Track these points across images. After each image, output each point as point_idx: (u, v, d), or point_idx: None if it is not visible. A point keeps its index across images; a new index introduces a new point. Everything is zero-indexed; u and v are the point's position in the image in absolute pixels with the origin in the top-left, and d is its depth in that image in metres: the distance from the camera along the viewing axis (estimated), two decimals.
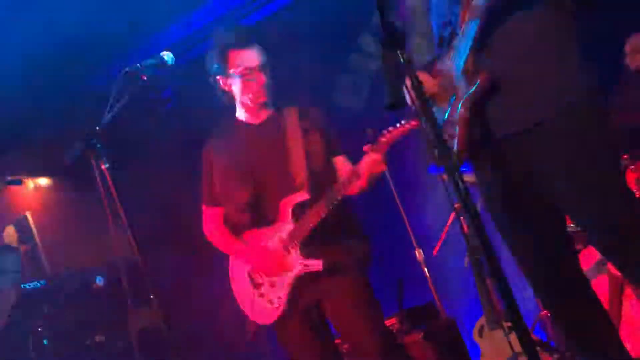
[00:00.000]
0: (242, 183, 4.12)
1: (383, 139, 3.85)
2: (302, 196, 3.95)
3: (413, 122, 3.79)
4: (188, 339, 4.67)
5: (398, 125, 3.83)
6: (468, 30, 3.12)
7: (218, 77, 4.15)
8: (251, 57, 4.12)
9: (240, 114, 4.24)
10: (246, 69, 4.09)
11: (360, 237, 4.15)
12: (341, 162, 4.13)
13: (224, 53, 4.12)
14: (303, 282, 3.92)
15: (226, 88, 4.17)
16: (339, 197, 3.87)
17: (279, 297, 3.95)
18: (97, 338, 5.45)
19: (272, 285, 3.99)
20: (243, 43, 4.14)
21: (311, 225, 3.89)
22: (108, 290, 5.26)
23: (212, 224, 4.26)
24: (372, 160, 3.84)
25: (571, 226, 3.50)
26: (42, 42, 6.16)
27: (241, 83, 4.11)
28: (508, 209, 3.26)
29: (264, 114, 4.22)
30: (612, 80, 4.97)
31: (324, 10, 6.98)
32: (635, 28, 5.28)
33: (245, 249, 4.10)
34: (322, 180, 4.00)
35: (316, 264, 3.87)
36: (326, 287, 3.95)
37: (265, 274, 4.01)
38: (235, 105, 4.23)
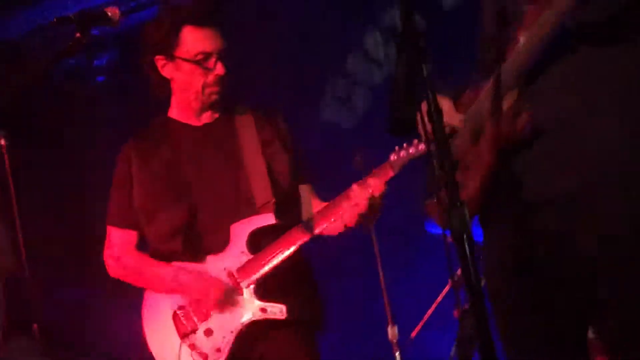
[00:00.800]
0: (174, 200, 4.09)
1: (392, 159, 3.85)
2: (266, 220, 3.92)
3: (421, 146, 3.77)
4: None
5: (414, 144, 3.79)
6: (517, 68, 3.14)
7: (158, 57, 4.07)
8: (211, 39, 4.08)
9: (176, 112, 4.22)
10: (202, 53, 4.04)
11: (315, 293, 4.19)
12: (307, 192, 4.12)
13: (176, 28, 4.05)
14: (252, 333, 3.90)
15: (166, 74, 4.11)
16: (305, 239, 3.87)
17: (218, 350, 3.90)
18: None
19: (209, 333, 3.92)
20: (204, 19, 4.08)
21: (276, 261, 3.88)
22: None
23: (120, 250, 4.16)
24: (368, 188, 3.83)
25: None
26: None
27: (193, 72, 4.05)
28: (515, 289, 3.29)
29: (210, 116, 4.21)
30: None
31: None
32: None
33: (175, 273, 4.02)
34: (287, 205, 4.00)
35: (278, 311, 3.85)
36: (272, 347, 3.96)
37: (199, 315, 3.95)
38: (168, 99, 4.20)
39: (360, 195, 3.79)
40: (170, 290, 3.99)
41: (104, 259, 4.18)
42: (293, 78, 6.95)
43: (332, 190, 5.55)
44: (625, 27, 3.09)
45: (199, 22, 4.04)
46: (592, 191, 3.07)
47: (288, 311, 3.85)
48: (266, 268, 3.86)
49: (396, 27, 6.88)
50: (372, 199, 3.77)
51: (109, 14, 3.83)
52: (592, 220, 3.08)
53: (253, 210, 3.94)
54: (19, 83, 3.83)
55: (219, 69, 4.03)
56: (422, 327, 5.87)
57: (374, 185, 3.80)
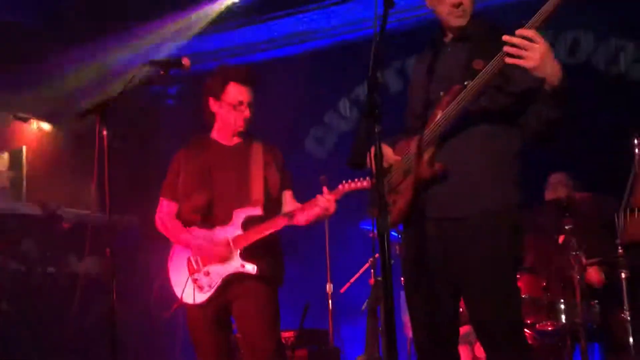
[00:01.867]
0: (201, 190, 4.10)
1: (340, 187, 3.94)
2: (256, 211, 3.97)
3: (366, 183, 3.86)
4: (123, 294, 4.61)
5: (356, 180, 3.91)
6: (432, 133, 3.15)
7: (210, 98, 4.12)
8: (245, 93, 4.11)
9: (216, 134, 4.22)
10: (239, 102, 4.08)
11: (280, 259, 4.16)
12: (289, 196, 4.17)
13: (225, 82, 4.10)
14: (233, 280, 3.93)
15: (213, 109, 4.15)
16: (287, 224, 3.94)
17: (210, 286, 3.95)
18: (48, 269, 5.34)
19: (207, 274, 3.97)
20: (243, 80, 4.12)
21: (256, 238, 3.93)
22: (72, 233, 5.17)
23: (165, 215, 4.19)
24: (326, 200, 3.90)
25: None
26: None
27: (230, 112, 4.10)
28: (416, 275, 3.25)
29: (236, 140, 4.20)
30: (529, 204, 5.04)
31: (316, 69, 7.04)
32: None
33: (193, 237, 4.05)
34: (273, 205, 4.03)
35: (252, 269, 3.90)
36: (245, 291, 3.96)
37: (204, 262, 3.98)
38: (212, 124, 4.21)
39: (322, 203, 3.90)
40: (187, 246, 4.05)
41: (155, 218, 4.22)
42: (288, 125, 6.93)
43: (305, 197, 5.57)
44: (504, 115, 3.13)
45: (240, 81, 4.10)
46: (468, 215, 3.12)
47: (258, 269, 3.91)
48: (251, 240, 3.93)
49: (360, 99, 6.90)
50: (326, 209, 3.91)
51: (183, 62, 3.90)
52: (467, 235, 3.11)
53: (249, 203, 3.99)
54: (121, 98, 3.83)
55: (247, 113, 4.10)
56: (349, 287, 5.89)
57: (330, 199, 3.91)
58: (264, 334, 3.97)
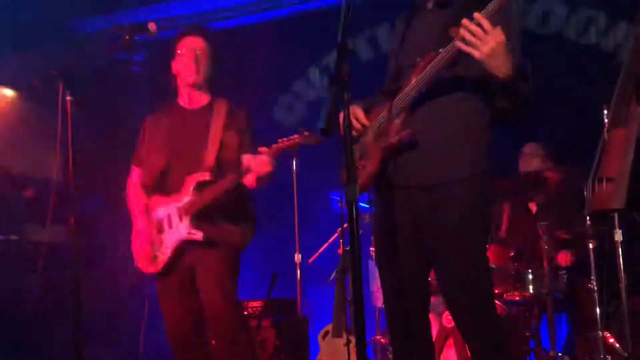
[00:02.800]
0: (159, 153, 4.08)
1: (274, 145, 3.89)
2: (204, 176, 3.91)
3: (297, 138, 3.91)
4: (87, 263, 4.60)
5: (290, 137, 3.92)
6: (402, 101, 3.15)
7: (171, 59, 4.10)
8: (197, 42, 4.08)
9: (181, 98, 4.18)
10: (189, 50, 4.04)
11: (241, 225, 4.07)
12: (247, 159, 4.02)
13: (178, 38, 4.10)
14: (185, 247, 3.92)
15: (174, 71, 4.12)
16: (231, 186, 3.87)
17: (163, 254, 3.95)
18: (12, 236, 5.30)
19: (161, 243, 3.97)
20: (194, 31, 4.11)
21: (204, 202, 3.88)
22: (37, 203, 5.13)
23: (132, 184, 4.21)
24: (261, 160, 3.85)
25: None
26: None
27: (181, 61, 4.06)
28: (387, 244, 3.26)
29: (199, 102, 4.17)
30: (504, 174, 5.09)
31: (284, 36, 7.01)
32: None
33: (140, 221, 4.10)
34: (227, 170, 3.95)
35: (198, 235, 3.87)
36: (200, 258, 3.94)
37: (158, 231, 4.00)
38: (177, 89, 4.18)
39: (258, 162, 3.86)
40: (140, 218, 4.11)
41: (127, 185, 4.25)
42: (256, 93, 6.92)
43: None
44: (477, 84, 3.13)
45: (190, 32, 4.11)
46: (438, 183, 3.12)
47: (206, 236, 3.87)
48: (198, 206, 3.88)
49: (330, 67, 6.88)
50: (264, 167, 3.86)
51: (149, 27, 3.87)
52: (436, 203, 3.12)
53: (200, 169, 3.93)
54: (83, 62, 3.80)
55: (201, 62, 4.05)
56: (317, 256, 5.90)
57: (264, 159, 3.85)
58: (220, 300, 3.93)
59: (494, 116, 3.15)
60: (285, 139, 3.91)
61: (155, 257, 3.98)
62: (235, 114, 4.12)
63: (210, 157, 3.96)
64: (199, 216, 3.90)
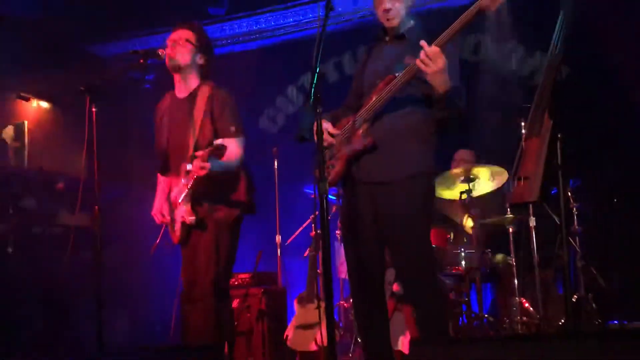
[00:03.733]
0: (161, 138, 3.82)
1: (199, 153, 3.43)
2: (188, 166, 3.50)
3: (208, 150, 3.40)
4: (108, 242, 4.54)
5: (208, 148, 3.43)
6: (365, 113, 3.17)
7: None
8: (179, 33, 3.71)
9: (175, 87, 3.82)
10: (174, 40, 3.69)
11: (228, 204, 3.66)
12: (228, 142, 3.55)
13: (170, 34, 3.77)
14: (188, 227, 3.62)
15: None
16: (192, 181, 3.51)
17: (176, 229, 3.68)
18: (34, 228, 5.21)
19: (174, 219, 3.70)
20: (180, 25, 3.75)
21: (185, 188, 3.55)
22: (68, 194, 5.07)
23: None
24: (196, 164, 3.42)
25: None
26: None
27: (167, 48, 3.70)
28: (351, 227, 3.27)
29: (189, 87, 3.74)
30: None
31: (269, 61, 6.98)
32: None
33: (159, 195, 3.85)
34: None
35: (191, 219, 3.57)
36: (197, 235, 3.62)
37: (170, 212, 3.73)
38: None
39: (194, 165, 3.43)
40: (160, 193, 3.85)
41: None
42: (247, 106, 6.84)
43: (261, 163, 5.50)
44: (424, 101, 3.15)
45: (177, 27, 3.74)
46: (391, 180, 3.13)
47: (196, 220, 3.57)
48: (183, 191, 3.56)
49: (305, 86, 6.87)
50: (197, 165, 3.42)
51: (160, 53, 3.75)
52: (390, 196, 3.13)
53: (187, 155, 3.57)
54: (105, 80, 3.73)
55: (185, 49, 3.68)
56: (294, 238, 5.89)
57: (195, 165, 3.42)
58: (206, 277, 3.56)
59: (435, 126, 3.18)
60: (203, 151, 3.42)
61: (173, 230, 3.72)
62: (215, 98, 3.68)
63: (191, 143, 3.61)
64: (193, 201, 3.59)
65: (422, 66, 2.91)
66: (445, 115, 3.09)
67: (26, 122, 7.56)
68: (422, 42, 2.90)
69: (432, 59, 2.88)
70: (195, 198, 3.58)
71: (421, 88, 3.11)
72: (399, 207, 3.12)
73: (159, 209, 3.82)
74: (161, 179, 3.89)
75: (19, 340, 4.66)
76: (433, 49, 2.89)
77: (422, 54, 2.90)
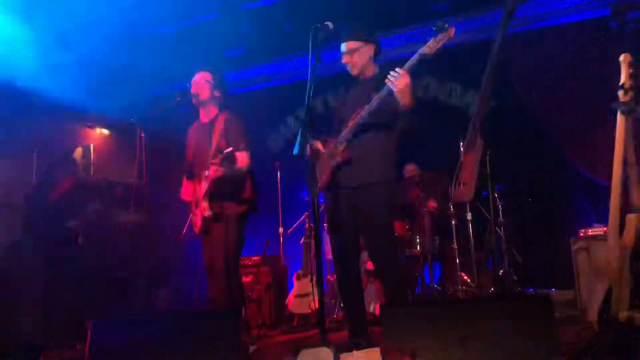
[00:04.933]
0: (189, 153, 3.76)
1: (214, 160, 3.44)
2: (206, 173, 3.50)
3: (220, 158, 3.41)
4: (156, 234, 4.51)
5: (220, 156, 3.42)
6: (344, 136, 3.18)
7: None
8: (201, 75, 3.69)
9: (200, 116, 3.79)
10: (197, 81, 3.69)
11: (237, 202, 3.57)
12: (239, 155, 3.56)
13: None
14: (207, 219, 3.54)
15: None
16: (210, 182, 3.46)
17: (197, 222, 3.63)
18: (107, 219, 5.15)
19: (196, 214, 3.64)
20: (202, 68, 3.73)
21: (204, 190, 3.50)
22: (124, 198, 5.02)
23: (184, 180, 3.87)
24: (212, 167, 3.44)
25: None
26: None
27: (192, 87, 3.69)
28: (333, 221, 3.28)
29: (209, 115, 3.68)
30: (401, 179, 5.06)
31: (272, 98, 6.95)
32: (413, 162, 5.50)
33: (184, 190, 3.78)
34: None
35: (208, 213, 3.50)
36: (213, 226, 3.56)
37: (198, 203, 3.62)
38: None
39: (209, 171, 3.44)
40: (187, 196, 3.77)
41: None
42: (256, 130, 6.81)
43: (266, 174, 5.46)
44: (386, 125, 3.15)
45: (200, 69, 3.72)
46: (363, 185, 3.14)
47: (212, 214, 3.48)
48: (203, 191, 3.49)
49: (299, 116, 6.86)
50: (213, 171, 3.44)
51: (192, 92, 3.73)
52: (362, 197, 3.14)
53: (207, 166, 3.49)
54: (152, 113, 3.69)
55: (204, 90, 3.66)
56: (293, 229, 5.86)
57: (209, 173, 3.43)
58: (220, 258, 3.49)
59: (399, 135, 3.13)
60: (216, 162, 3.43)
61: (195, 223, 3.64)
62: (229, 122, 3.62)
63: (210, 156, 3.52)
64: (210, 199, 3.52)
65: (393, 80, 2.86)
66: (409, 127, 3.05)
67: (92, 145, 7.54)
68: (392, 71, 2.88)
69: (401, 76, 2.85)
70: (212, 197, 3.53)
71: (382, 116, 3.13)
72: (367, 205, 3.13)
73: (187, 193, 3.75)
74: (186, 183, 3.83)
75: (87, 313, 4.61)
76: (401, 70, 2.87)
77: (392, 73, 2.87)
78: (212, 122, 3.66)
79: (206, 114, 3.74)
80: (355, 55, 3.20)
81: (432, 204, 5.25)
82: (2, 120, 4.15)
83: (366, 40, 3.22)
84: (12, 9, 5.05)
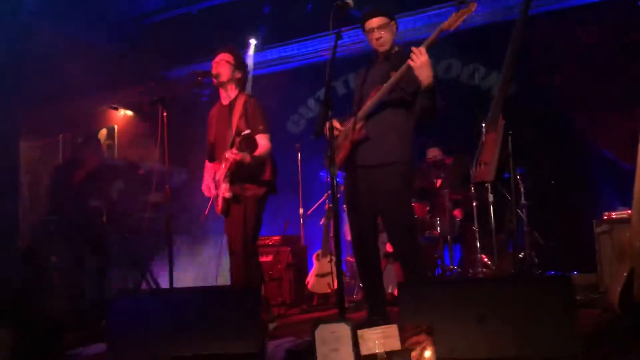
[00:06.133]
0: (210, 135, 3.72)
1: (227, 154, 3.42)
2: (226, 155, 3.47)
3: (238, 141, 3.37)
4: (176, 213, 4.55)
5: (238, 139, 3.39)
6: (362, 114, 3.15)
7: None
8: (221, 56, 3.63)
9: (220, 98, 3.74)
10: (217, 62, 3.63)
11: (257, 184, 3.54)
12: (259, 138, 3.52)
13: (214, 54, 3.69)
14: (227, 201, 3.52)
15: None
16: (230, 164, 3.43)
17: (218, 204, 3.59)
18: (121, 203, 5.20)
19: (217, 196, 3.60)
20: (222, 49, 3.67)
21: (225, 171, 3.49)
22: (145, 177, 5.08)
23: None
24: (231, 151, 3.39)
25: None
26: None
27: (212, 68, 3.64)
28: (351, 201, 3.26)
29: (230, 96, 3.64)
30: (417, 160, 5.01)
31: (293, 79, 6.95)
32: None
33: (206, 176, 3.74)
34: (245, 146, 3.46)
35: (228, 194, 3.47)
36: (232, 208, 3.53)
37: (214, 189, 3.63)
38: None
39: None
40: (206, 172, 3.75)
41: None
42: (277, 114, 6.83)
43: (287, 156, 5.46)
44: (404, 104, 3.12)
45: (218, 51, 3.66)
46: (380, 164, 3.12)
47: (232, 195, 3.45)
48: (224, 173, 3.47)
49: (320, 98, 6.82)
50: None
51: (213, 72, 3.71)
52: (379, 176, 3.12)
53: (227, 147, 3.47)
54: (174, 93, 3.72)
55: (226, 69, 3.61)
56: (313, 210, 5.89)
57: (230, 154, 3.38)
58: (239, 239, 3.49)
59: (418, 114, 3.07)
60: (234, 150, 3.38)
61: (217, 204, 3.61)
62: (249, 104, 3.57)
63: (230, 137, 3.51)
64: (231, 180, 3.48)
65: (413, 58, 2.82)
66: (430, 105, 2.96)
67: (116, 126, 7.67)
68: (412, 48, 2.85)
69: (420, 53, 2.82)
70: (232, 179, 3.50)
71: (401, 94, 3.10)
72: (383, 184, 3.11)
73: (207, 186, 3.75)
74: (208, 165, 3.78)
75: (112, 287, 4.70)
76: (420, 48, 2.84)
77: (413, 51, 2.84)
78: (232, 104, 3.62)
79: (226, 96, 3.69)
80: (386, 31, 3.17)
81: (457, 212, 5.20)
82: (28, 102, 4.20)
83: (392, 18, 3.20)
84: None
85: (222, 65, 3.64)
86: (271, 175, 3.65)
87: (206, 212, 3.94)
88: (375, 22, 3.16)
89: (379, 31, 3.16)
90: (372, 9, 3.18)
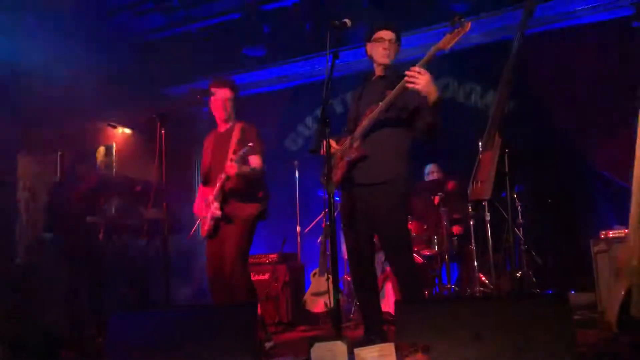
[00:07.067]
0: (206, 160, 3.82)
1: (228, 164, 3.50)
2: (223, 177, 3.57)
3: (236, 156, 3.47)
4: (173, 229, 4.54)
5: (235, 154, 3.49)
6: (359, 132, 3.16)
7: (209, 100, 3.79)
8: (225, 93, 3.73)
9: (218, 126, 3.86)
10: (219, 99, 3.73)
11: (251, 202, 3.62)
12: (252, 159, 3.62)
13: (212, 86, 3.75)
14: (217, 220, 3.60)
15: (212, 109, 3.81)
16: (223, 181, 3.55)
17: (204, 224, 3.68)
18: (127, 214, 5.20)
19: (206, 215, 3.68)
20: (220, 85, 3.74)
21: (218, 189, 3.57)
22: (143, 193, 5.06)
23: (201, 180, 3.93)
24: (228, 164, 3.50)
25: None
26: None
27: (215, 107, 3.76)
28: (348, 220, 3.25)
29: (226, 126, 3.77)
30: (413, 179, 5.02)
31: (292, 98, 6.97)
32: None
33: (199, 198, 3.82)
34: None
35: (219, 213, 3.57)
36: (224, 227, 3.61)
37: (205, 210, 3.68)
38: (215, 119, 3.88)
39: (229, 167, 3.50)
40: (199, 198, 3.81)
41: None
42: (276, 131, 6.87)
43: (285, 173, 5.45)
44: (401, 122, 3.14)
45: (217, 86, 3.74)
46: (376, 183, 3.12)
47: (223, 214, 3.53)
48: (217, 192, 3.57)
49: (318, 116, 6.84)
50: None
51: (212, 91, 3.76)
52: (375, 194, 3.12)
53: (223, 171, 3.54)
54: (172, 110, 3.72)
55: (227, 107, 3.73)
56: (310, 228, 5.86)
57: (230, 164, 3.47)
58: (230, 258, 3.52)
59: (420, 131, 3.06)
60: (234, 158, 3.49)
61: (204, 223, 3.66)
62: (245, 130, 3.69)
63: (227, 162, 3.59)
64: (223, 200, 3.59)
65: (414, 80, 2.80)
66: (434, 122, 2.95)
67: (114, 144, 7.65)
68: (407, 72, 2.83)
69: (420, 73, 2.80)
70: (224, 199, 3.60)
71: (398, 113, 3.11)
72: (379, 203, 3.10)
73: (198, 206, 3.82)
74: (202, 188, 3.87)
75: (108, 303, 4.66)
76: (419, 68, 2.81)
77: (410, 73, 2.81)
78: (229, 132, 3.73)
79: (224, 124, 3.81)
80: (394, 45, 3.21)
81: (456, 229, 5.21)
82: (27, 119, 4.21)
83: (400, 40, 3.25)
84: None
85: (227, 105, 3.74)
86: (263, 197, 3.72)
87: (191, 233, 3.95)
88: (388, 34, 3.19)
89: (388, 43, 3.19)
90: (388, 22, 3.22)
